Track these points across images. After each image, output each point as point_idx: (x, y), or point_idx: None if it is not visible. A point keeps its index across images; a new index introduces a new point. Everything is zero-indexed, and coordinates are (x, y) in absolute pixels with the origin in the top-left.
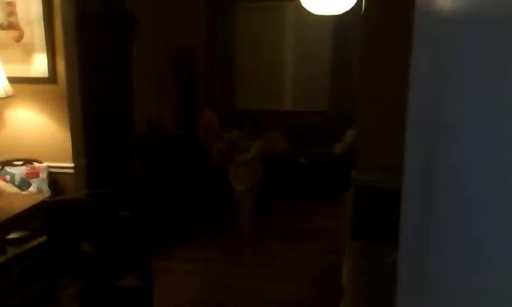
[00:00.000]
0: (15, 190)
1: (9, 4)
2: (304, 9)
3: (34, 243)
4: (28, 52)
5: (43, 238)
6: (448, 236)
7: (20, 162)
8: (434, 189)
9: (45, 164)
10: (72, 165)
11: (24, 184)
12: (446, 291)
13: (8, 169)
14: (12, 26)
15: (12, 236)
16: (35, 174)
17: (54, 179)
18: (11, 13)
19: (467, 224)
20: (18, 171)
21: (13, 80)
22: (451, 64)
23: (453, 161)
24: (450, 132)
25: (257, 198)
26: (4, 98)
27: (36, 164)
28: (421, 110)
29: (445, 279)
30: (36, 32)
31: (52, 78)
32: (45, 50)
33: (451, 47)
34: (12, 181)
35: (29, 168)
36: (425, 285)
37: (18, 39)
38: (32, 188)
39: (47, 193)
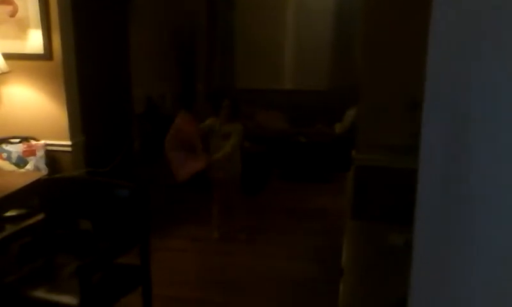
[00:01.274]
0: (11, 168)
1: None
2: None
3: (31, 221)
4: (23, 27)
5: (40, 216)
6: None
7: (17, 140)
8: (462, 165)
9: (42, 142)
10: (69, 143)
11: (21, 162)
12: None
13: (5, 146)
14: (6, 1)
15: (9, 213)
16: (32, 152)
17: (51, 157)
18: None
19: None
20: (15, 149)
21: (8, 57)
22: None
23: (484, 137)
24: (483, 105)
25: (239, 187)
26: None
27: (33, 142)
28: (443, 79)
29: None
30: (30, 7)
31: (47, 54)
32: (40, 26)
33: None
34: (9, 159)
35: (25, 146)
36: (450, 264)
37: (12, 14)
38: (29, 166)
39: (44, 171)
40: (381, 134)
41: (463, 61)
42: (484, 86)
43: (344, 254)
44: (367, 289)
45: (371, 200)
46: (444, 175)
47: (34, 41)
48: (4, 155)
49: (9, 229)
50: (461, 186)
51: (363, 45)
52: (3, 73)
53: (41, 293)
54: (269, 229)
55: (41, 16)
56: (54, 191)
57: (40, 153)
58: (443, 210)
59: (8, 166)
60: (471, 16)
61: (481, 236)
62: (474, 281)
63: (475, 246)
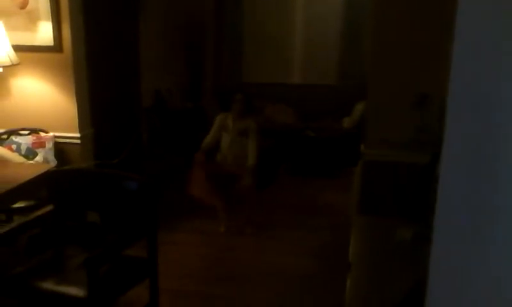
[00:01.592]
0: (21, 159)
1: None
2: None
3: (40, 212)
4: (33, 19)
5: (49, 208)
6: None
7: (26, 132)
8: (491, 158)
9: (51, 134)
10: (78, 135)
11: (30, 153)
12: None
13: (14, 138)
14: None
15: (18, 205)
16: (41, 144)
17: (60, 149)
18: None
19: None
20: (25, 141)
21: (18, 49)
22: None
23: None
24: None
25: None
26: (9, 66)
27: (42, 134)
28: (469, 75)
29: None
30: None
31: (57, 46)
32: (50, 18)
33: None
34: (18, 150)
35: (35, 138)
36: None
37: (23, 6)
38: (38, 158)
39: (53, 163)
40: (390, 129)
41: (490, 57)
42: None
43: (351, 249)
44: (375, 284)
45: (379, 195)
46: (467, 171)
47: (44, 33)
48: (14, 146)
49: (18, 220)
50: (485, 184)
51: (373, 40)
52: (13, 65)
53: (49, 285)
54: (276, 224)
55: (51, 8)
56: (63, 183)
57: (49, 145)
58: (465, 208)
59: (18, 158)
60: (500, 10)
61: (504, 235)
62: (494, 280)
63: (497, 245)
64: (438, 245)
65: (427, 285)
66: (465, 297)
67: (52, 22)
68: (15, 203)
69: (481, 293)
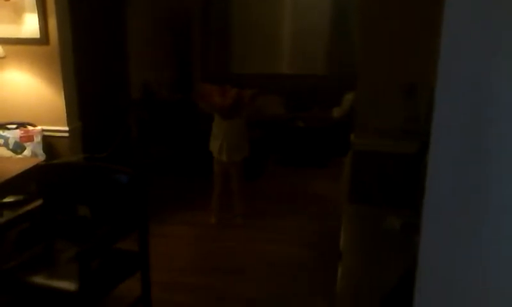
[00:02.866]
0: (9, 153)
1: None
2: None
3: (29, 207)
4: (18, 11)
5: (38, 202)
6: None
7: (14, 126)
8: (483, 147)
9: (39, 128)
10: (66, 128)
11: (18, 148)
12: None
13: (1, 132)
14: None
15: (7, 200)
16: (29, 138)
17: (48, 143)
18: None
19: None
20: (12, 135)
21: (3, 41)
22: None
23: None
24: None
25: (242, 173)
26: None
27: (30, 128)
28: (456, 67)
29: None
30: None
31: (43, 39)
32: (36, 10)
33: None
34: (6, 144)
35: (23, 131)
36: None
37: None
38: (26, 152)
39: (41, 157)
40: (380, 118)
41: (479, 49)
42: (503, 72)
43: (342, 238)
44: (366, 272)
45: (369, 184)
46: (456, 163)
47: (29, 25)
48: (1, 140)
49: (7, 215)
50: (474, 175)
51: (361, 29)
52: None
53: (40, 279)
54: (266, 214)
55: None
56: (52, 177)
57: (37, 138)
58: (453, 197)
59: (6, 152)
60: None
61: (493, 224)
62: (483, 269)
63: (486, 234)
64: (427, 235)
65: (416, 275)
66: (455, 287)
67: (38, 13)
68: (4, 197)
69: (471, 282)
